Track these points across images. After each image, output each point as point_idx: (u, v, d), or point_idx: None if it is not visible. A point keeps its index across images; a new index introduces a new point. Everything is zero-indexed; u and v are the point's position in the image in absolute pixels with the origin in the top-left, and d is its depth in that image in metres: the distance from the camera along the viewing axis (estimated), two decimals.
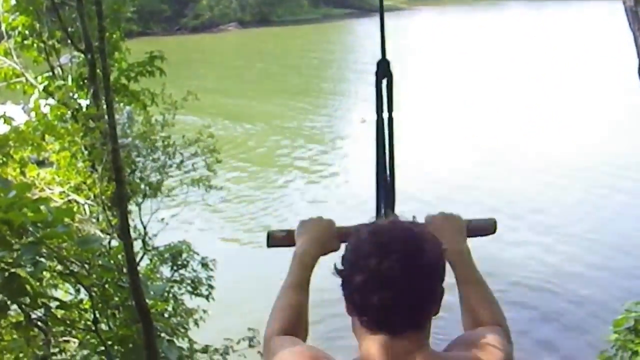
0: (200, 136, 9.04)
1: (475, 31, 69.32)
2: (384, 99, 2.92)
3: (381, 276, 1.92)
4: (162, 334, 4.95)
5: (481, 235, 2.90)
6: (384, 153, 2.97)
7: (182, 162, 8.85)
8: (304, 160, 26.11)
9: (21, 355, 7.68)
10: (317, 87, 42.13)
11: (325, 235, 2.69)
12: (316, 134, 30.47)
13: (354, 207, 18.38)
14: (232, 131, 30.49)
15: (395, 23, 66.32)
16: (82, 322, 6.42)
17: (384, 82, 2.90)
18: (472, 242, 2.57)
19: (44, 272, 7.47)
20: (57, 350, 7.70)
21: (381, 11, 3.19)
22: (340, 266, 2.09)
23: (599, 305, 13.99)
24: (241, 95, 38.69)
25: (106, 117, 5.46)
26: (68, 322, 5.77)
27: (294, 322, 2.44)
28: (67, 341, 7.92)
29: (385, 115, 2.98)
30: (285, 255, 2.93)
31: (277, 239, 3.06)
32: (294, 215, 20.42)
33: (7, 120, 6.62)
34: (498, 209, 17.54)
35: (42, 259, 4.16)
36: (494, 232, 3.04)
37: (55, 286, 7.82)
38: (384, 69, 2.88)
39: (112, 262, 4.99)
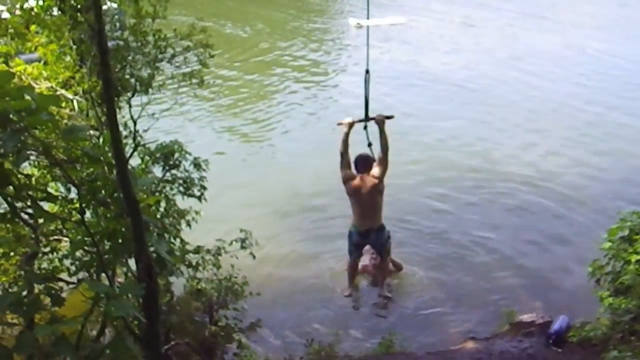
0: (193, 30, 8.74)
1: None
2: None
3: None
4: (153, 229, 4.82)
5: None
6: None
7: (173, 55, 8.58)
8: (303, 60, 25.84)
9: (11, 254, 7.66)
10: None
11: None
12: (317, 36, 30.09)
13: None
14: (235, 32, 30.13)
15: None
16: (72, 219, 6.32)
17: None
18: None
19: (33, 169, 7.39)
20: (47, 249, 7.66)
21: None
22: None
23: None
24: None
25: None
26: (56, 216, 5.64)
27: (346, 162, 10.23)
28: (58, 240, 7.86)
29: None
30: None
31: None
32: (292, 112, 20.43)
33: None
34: None
35: (26, 149, 3.98)
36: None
37: (45, 185, 7.71)
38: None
39: (100, 155, 4.81)
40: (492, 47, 27.96)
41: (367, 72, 9.65)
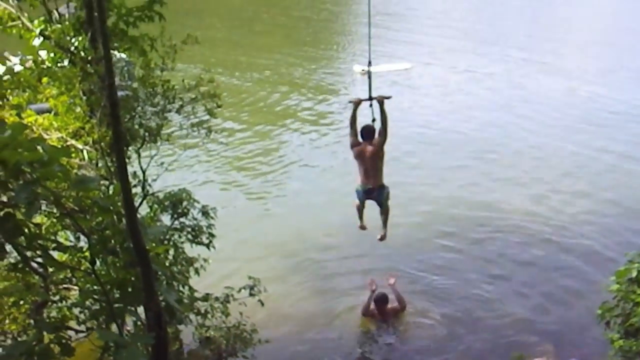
0: (200, 80, 8.88)
1: None
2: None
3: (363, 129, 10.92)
4: (162, 277, 4.87)
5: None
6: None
7: (182, 106, 8.71)
8: (308, 112, 26.03)
9: (21, 302, 7.70)
10: (325, 38, 41.83)
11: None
12: (321, 84, 30.36)
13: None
14: (242, 81, 30.48)
15: None
16: (82, 267, 6.37)
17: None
18: None
19: (43, 219, 7.46)
20: (57, 298, 7.70)
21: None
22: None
23: None
24: (250, 45, 38.48)
25: (104, 61, 5.32)
26: (66, 265, 5.70)
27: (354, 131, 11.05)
28: (68, 289, 7.90)
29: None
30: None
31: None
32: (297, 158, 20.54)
33: (2, 60, 6.47)
34: None
35: (38, 199, 4.05)
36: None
37: (55, 234, 7.78)
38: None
39: (110, 206, 4.88)
40: (497, 95, 28.02)
41: (369, 63, 11.77)
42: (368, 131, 11.25)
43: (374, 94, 11.00)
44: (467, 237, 15.49)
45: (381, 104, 11.09)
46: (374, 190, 11.41)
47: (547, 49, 36.90)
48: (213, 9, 55.83)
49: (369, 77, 11.32)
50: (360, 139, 11.22)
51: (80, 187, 4.43)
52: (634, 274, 8.81)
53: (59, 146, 7.08)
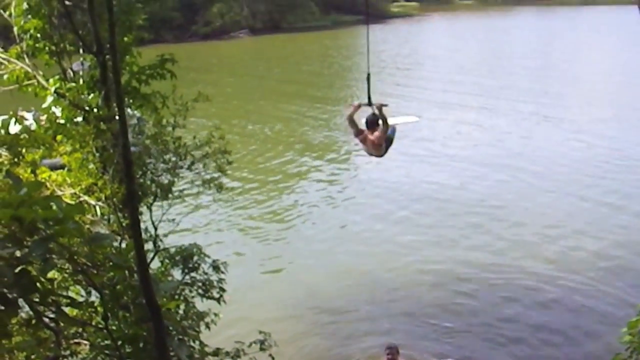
0: (212, 137, 9.02)
1: (486, 34, 69.57)
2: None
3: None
4: (173, 332, 4.91)
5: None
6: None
7: (193, 163, 8.83)
8: (319, 168, 26.19)
9: (33, 356, 7.69)
10: (334, 93, 42.38)
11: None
12: (330, 140, 30.64)
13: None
14: (253, 135, 30.81)
15: (408, 28, 66.66)
16: (93, 322, 6.41)
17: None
18: None
19: (56, 273, 7.52)
20: (68, 353, 7.70)
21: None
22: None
23: None
24: (262, 100, 39.07)
25: (117, 117, 5.46)
26: (79, 321, 5.74)
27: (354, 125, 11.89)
28: (79, 343, 7.92)
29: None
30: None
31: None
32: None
33: (19, 120, 6.63)
34: None
35: (53, 256, 4.13)
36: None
37: (67, 288, 7.82)
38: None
39: (122, 262, 4.95)
40: (506, 150, 28.16)
41: (368, 75, 12.20)
42: (372, 122, 12.23)
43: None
44: (479, 297, 15.43)
45: (380, 109, 12.03)
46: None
47: (553, 102, 37.20)
48: (225, 65, 56.80)
49: (368, 82, 12.04)
50: (364, 128, 12.25)
51: (94, 244, 4.50)
52: None
53: (73, 203, 7.17)
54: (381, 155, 12.34)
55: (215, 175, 9.18)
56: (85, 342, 7.54)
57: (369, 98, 12.02)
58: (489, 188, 23.00)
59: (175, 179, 8.74)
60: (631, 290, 15.09)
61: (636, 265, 16.75)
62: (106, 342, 5.23)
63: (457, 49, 64.26)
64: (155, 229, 8.34)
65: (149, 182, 8.60)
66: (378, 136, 12.13)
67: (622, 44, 60.42)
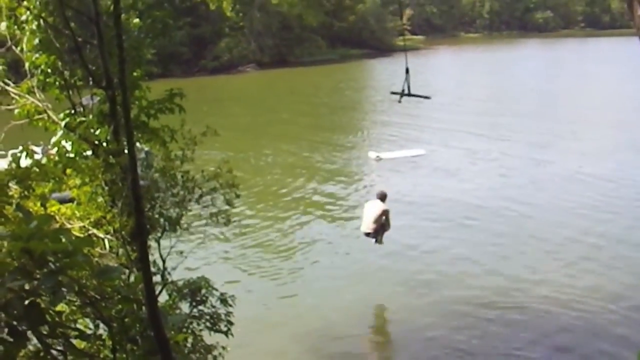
0: (219, 171, 9.09)
1: (492, 66, 69.96)
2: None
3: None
4: None
5: None
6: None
7: (201, 196, 8.89)
8: (327, 198, 26.32)
9: None
10: (344, 125, 42.76)
11: None
12: (339, 170, 30.83)
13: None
14: (263, 167, 31.01)
15: (416, 61, 67.26)
16: (101, 355, 6.42)
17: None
18: None
19: (64, 306, 7.55)
20: None
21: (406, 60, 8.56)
22: None
23: None
24: (272, 131, 39.46)
25: (126, 151, 5.53)
26: (87, 354, 5.75)
27: None
28: None
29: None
30: None
31: None
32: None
33: (30, 153, 6.71)
34: None
35: (62, 289, 4.17)
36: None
37: (75, 321, 7.84)
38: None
39: (131, 295, 4.99)
40: (513, 179, 28.29)
41: (407, 71, 12.52)
42: (381, 195, 13.47)
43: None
44: (499, 324, 15.45)
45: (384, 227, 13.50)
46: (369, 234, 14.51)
47: (564, 130, 37.38)
48: (235, 98, 57.26)
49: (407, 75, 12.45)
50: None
51: (103, 277, 4.54)
52: None
53: (82, 236, 7.22)
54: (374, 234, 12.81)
55: (224, 208, 9.23)
56: None
57: (409, 88, 12.52)
58: (500, 218, 23.06)
59: (184, 212, 8.80)
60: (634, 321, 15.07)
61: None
62: None
63: (465, 81, 64.68)
64: (164, 261, 8.38)
65: (157, 216, 8.66)
66: (377, 214, 13.84)
67: (628, 74, 60.75)
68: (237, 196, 9.20)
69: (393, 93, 12.72)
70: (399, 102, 11.98)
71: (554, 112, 44.97)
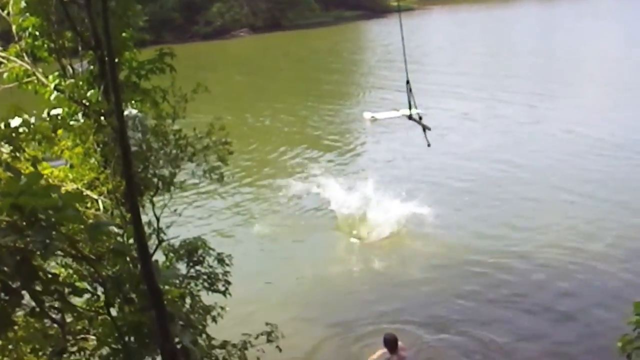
0: (212, 128, 9.01)
1: (488, 25, 69.63)
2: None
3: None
4: (177, 320, 4.92)
5: None
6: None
7: (194, 154, 8.83)
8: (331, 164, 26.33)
9: (40, 353, 7.72)
10: (341, 88, 42.52)
11: None
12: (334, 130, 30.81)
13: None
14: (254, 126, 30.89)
15: (410, 22, 67.06)
16: (95, 309, 6.43)
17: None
18: None
19: (61, 269, 7.55)
20: (75, 349, 7.72)
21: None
22: None
23: None
24: (267, 94, 39.45)
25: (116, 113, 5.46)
26: (81, 309, 5.75)
27: None
28: (85, 339, 7.94)
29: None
30: None
31: None
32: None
33: (19, 112, 6.64)
34: None
35: (53, 243, 4.14)
36: None
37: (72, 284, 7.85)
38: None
39: (124, 247, 4.97)
40: (502, 139, 28.31)
41: (408, 81, 10.72)
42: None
43: None
44: (487, 278, 15.51)
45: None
46: None
47: (560, 90, 37.34)
48: (231, 63, 57.02)
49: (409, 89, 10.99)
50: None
51: (95, 231, 4.51)
52: None
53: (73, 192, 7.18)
54: None
55: (216, 164, 9.17)
56: (92, 337, 7.58)
57: (410, 107, 10.81)
58: (500, 175, 23.14)
59: (177, 171, 8.74)
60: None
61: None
62: (111, 333, 5.22)
63: (460, 41, 64.30)
64: (158, 220, 8.35)
65: (150, 176, 8.61)
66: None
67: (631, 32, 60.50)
68: (230, 153, 9.14)
69: (397, 115, 11.56)
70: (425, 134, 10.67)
71: (551, 72, 44.75)
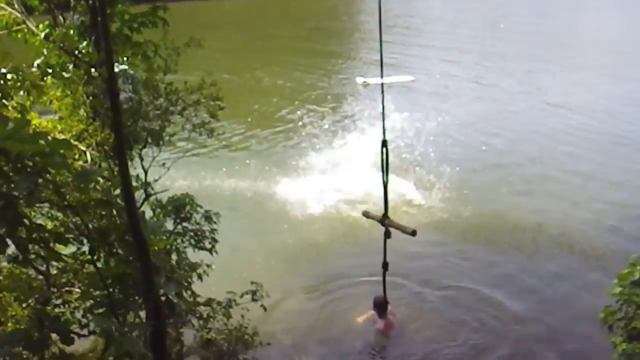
0: (203, 83, 8.93)
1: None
2: None
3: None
4: (161, 271, 4.91)
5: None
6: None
7: (184, 108, 8.76)
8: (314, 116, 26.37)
9: (24, 305, 7.72)
10: (337, 50, 42.42)
11: None
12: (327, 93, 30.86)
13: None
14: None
15: None
16: (81, 264, 6.42)
17: None
18: None
19: (46, 221, 7.50)
20: (60, 301, 7.72)
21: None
22: None
23: None
24: (263, 55, 39.41)
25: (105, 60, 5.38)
26: (66, 256, 5.73)
27: None
28: (70, 292, 7.93)
29: None
30: None
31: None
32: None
33: (7, 58, 6.54)
34: None
35: (38, 189, 4.09)
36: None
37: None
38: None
39: (110, 198, 4.93)
40: (492, 110, 28.29)
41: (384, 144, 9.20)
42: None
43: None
44: (479, 243, 15.63)
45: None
46: None
47: (557, 60, 37.39)
48: (230, 23, 56.73)
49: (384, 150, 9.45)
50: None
51: (81, 179, 4.47)
52: (637, 276, 8.75)
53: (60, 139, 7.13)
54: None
55: (207, 120, 9.12)
56: (77, 290, 7.57)
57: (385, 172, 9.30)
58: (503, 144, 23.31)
59: (166, 125, 8.68)
60: (620, 247, 15.18)
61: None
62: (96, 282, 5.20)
63: (460, 10, 64.05)
64: (146, 173, 8.31)
65: (139, 129, 8.55)
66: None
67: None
68: (221, 109, 9.07)
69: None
70: None
71: (550, 43, 44.71)
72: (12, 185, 4.21)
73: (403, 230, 9.70)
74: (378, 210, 10.68)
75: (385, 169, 9.31)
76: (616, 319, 8.89)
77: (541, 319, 12.67)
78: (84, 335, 7.72)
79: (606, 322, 9.04)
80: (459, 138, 23.74)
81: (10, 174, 4.20)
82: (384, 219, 9.92)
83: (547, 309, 12.98)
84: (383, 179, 9.41)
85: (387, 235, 9.97)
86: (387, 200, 9.80)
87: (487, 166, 21.00)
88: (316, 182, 19.10)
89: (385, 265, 10.49)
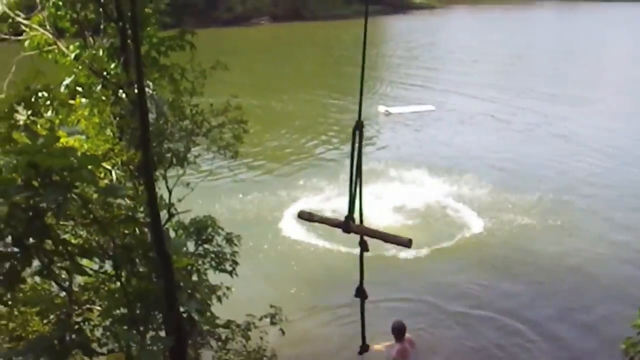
0: (228, 106, 9.04)
1: (512, 24, 69.61)
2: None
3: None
4: (183, 288, 4.96)
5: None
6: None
7: (209, 130, 8.86)
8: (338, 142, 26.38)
9: (45, 321, 7.77)
10: (371, 79, 42.75)
11: None
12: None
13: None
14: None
15: (432, 19, 66.91)
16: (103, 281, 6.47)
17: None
18: None
19: (71, 237, 7.58)
20: (80, 319, 7.77)
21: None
22: None
23: None
24: (290, 81, 39.81)
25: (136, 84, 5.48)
26: (89, 269, 5.79)
27: None
28: (91, 310, 7.99)
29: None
30: None
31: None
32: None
33: (40, 76, 6.68)
34: None
35: (67, 202, 4.17)
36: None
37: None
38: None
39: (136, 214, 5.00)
40: (511, 139, 28.38)
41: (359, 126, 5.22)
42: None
43: None
44: (499, 270, 15.58)
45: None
46: None
47: (578, 92, 37.40)
48: (253, 49, 57.30)
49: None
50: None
51: (108, 195, 4.55)
52: None
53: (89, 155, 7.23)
54: None
55: (231, 142, 9.20)
56: (98, 307, 7.63)
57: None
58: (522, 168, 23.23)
59: (191, 146, 8.78)
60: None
61: None
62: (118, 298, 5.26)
63: (481, 40, 64.26)
64: (170, 193, 8.39)
65: (164, 150, 8.66)
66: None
67: None
68: (245, 132, 9.17)
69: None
70: None
71: (570, 75, 44.69)
72: (41, 198, 4.29)
73: (385, 239, 5.30)
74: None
75: (358, 156, 6.05)
76: (638, 351, 8.81)
77: (563, 349, 12.61)
78: (102, 354, 7.79)
79: (627, 353, 8.97)
80: (468, 164, 23.88)
81: (39, 187, 4.27)
82: (347, 224, 5.57)
83: (568, 339, 12.91)
84: (351, 173, 6.08)
85: (363, 246, 5.73)
86: (356, 197, 6.27)
87: (514, 191, 21.05)
88: (337, 206, 19.16)
89: (361, 293, 6.02)
